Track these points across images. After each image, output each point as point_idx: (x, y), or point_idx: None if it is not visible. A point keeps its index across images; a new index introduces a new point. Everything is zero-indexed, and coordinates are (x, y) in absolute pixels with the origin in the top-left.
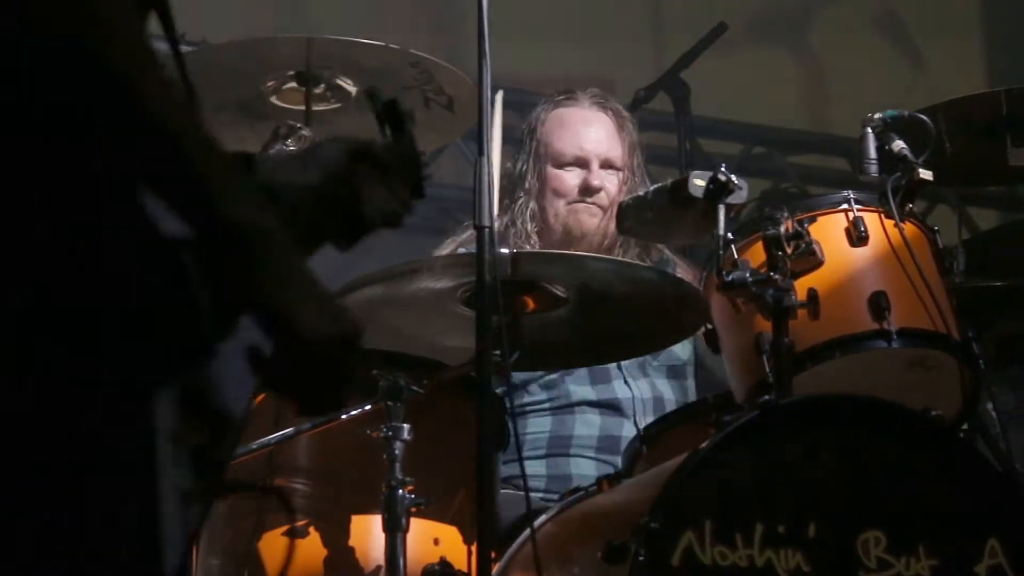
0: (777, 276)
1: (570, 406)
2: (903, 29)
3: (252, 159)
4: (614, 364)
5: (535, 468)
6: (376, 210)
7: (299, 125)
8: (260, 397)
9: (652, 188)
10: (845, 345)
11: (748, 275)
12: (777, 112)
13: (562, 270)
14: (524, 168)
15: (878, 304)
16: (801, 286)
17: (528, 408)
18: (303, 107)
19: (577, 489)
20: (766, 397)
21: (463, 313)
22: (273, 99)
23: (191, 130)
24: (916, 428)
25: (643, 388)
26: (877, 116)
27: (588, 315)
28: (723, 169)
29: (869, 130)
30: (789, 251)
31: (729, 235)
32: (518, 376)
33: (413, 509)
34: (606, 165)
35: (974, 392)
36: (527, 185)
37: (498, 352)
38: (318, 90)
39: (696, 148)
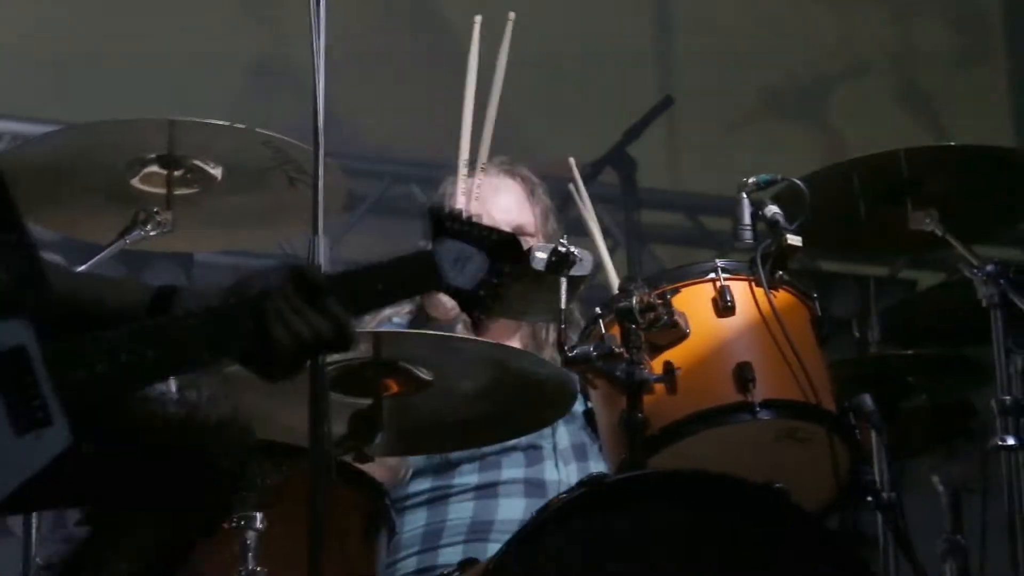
0: (623, 350)
1: (496, 486)
2: (925, 103)
3: (176, 292)
4: (548, 444)
5: (451, 556)
6: (288, 335)
7: (157, 210)
8: None
9: None
10: (708, 418)
11: (592, 350)
12: None
13: (423, 350)
14: None
15: (743, 375)
16: (667, 359)
17: (452, 492)
18: (165, 191)
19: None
20: (593, 474)
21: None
22: (135, 183)
23: None
24: (758, 502)
25: (571, 473)
26: (751, 180)
27: (452, 397)
28: (563, 241)
29: (744, 195)
30: (642, 323)
31: (597, 310)
32: (452, 456)
33: None
34: (517, 232)
35: (854, 465)
36: None
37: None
38: (179, 173)
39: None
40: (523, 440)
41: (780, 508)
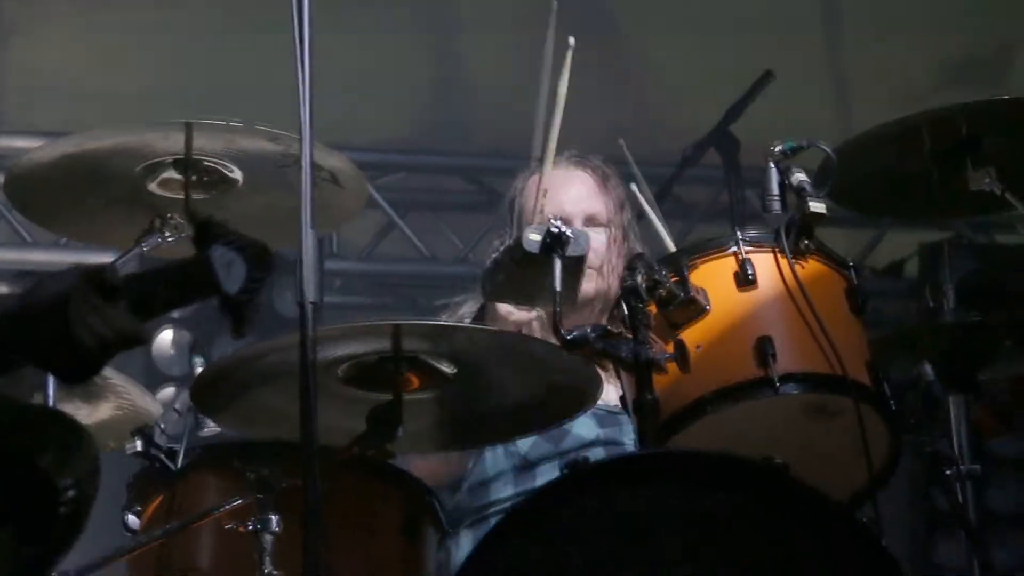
0: (622, 330)
1: None
2: None
3: None
4: (630, 440)
5: None
6: (89, 334)
7: (171, 216)
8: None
9: (502, 248)
10: (725, 396)
11: (590, 331)
12: None
13: (443, 344)
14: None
15: (763, 350)
16: (684, 336)
17: (492, 510)
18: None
19: None
20: (576, 458)
21: (345, 391)
22: (153, 187)
23: None
24: (754, 479)
25: None
26: (778, 148)
27: (478, 390)
28: (556, 221)
29: (772, 164)
30: (650, 301)
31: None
32: (530, 455)
33: None
34: (590, 222)
35: (893, 439)
36: None
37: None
38: (196, 177)
39: None
40: (602, 435)
41: (778, 485)
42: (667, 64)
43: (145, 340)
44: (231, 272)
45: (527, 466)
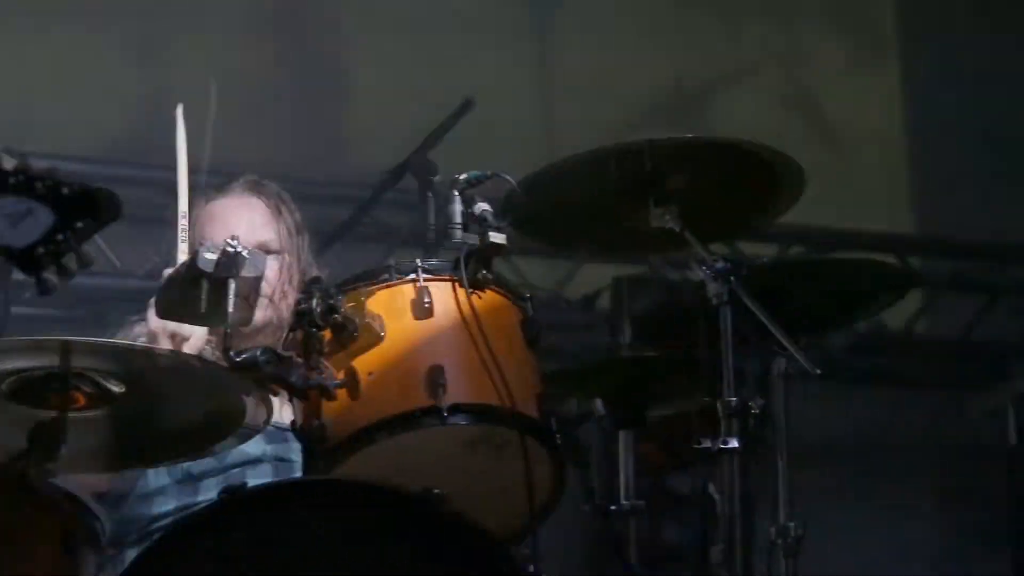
0: (292, 354)
1: None
2: (815, 107)
3: None
4: (299, 458)
5: None
6: None
7: None
8: None
9: (177, 266)
10: (393, 425)
11: (260, 355)
12: None
13: (113, 362)
14: None
15: (433, 379)
16: (358, 364)
17: (154, 526)
18: None
19: None
20: (232, 484)
21: (8, 407)
22: None
23: None
24: (409, 509)
25: None
26: (462, 177)
27: (142, 410)
28: (232, 241)
29: (455, 192)
30: (323, 326)
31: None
32: (193, 470)
33: None
34: (261, 249)
35: (557, 472)
36: None
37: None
38: None
39: None
40: (269, 452)
41: (432, 515)
42: (369, 84)
43: None
44: (20, 224)
45: (189, 480)
